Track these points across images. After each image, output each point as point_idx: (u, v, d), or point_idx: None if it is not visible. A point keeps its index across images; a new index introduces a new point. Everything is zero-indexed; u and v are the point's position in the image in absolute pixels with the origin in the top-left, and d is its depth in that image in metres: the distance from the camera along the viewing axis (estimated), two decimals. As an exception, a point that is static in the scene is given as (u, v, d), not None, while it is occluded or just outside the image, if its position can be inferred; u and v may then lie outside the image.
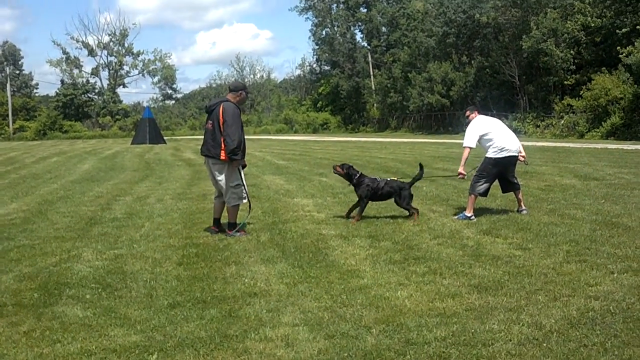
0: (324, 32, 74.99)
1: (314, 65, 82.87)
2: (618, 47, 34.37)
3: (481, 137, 8.88)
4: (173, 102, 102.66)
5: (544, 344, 4.09)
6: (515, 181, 9.19)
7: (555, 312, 4.67)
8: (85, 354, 4.13)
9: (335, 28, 73.68)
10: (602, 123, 34.65)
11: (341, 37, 72.58)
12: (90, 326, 4.64)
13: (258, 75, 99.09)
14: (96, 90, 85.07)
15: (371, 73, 68.12)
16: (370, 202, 9.02)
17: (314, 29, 75.45)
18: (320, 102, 76.44)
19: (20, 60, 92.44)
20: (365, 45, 72.99)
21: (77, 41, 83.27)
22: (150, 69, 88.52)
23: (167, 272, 6.17)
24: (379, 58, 67.59)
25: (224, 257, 6.73)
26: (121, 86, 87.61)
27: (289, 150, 28.67)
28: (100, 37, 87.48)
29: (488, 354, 3.96)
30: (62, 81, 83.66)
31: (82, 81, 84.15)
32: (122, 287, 5.64)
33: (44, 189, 13.71)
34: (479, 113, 9.30)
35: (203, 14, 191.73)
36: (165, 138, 46.51)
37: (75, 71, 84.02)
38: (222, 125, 7.60)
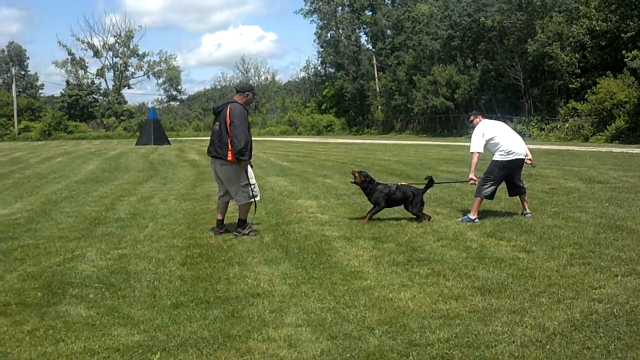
0: (328, 35, 75.10)
1: (319, 68, 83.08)
2: (623, 51, 34.31)
3: (487, 141, 8.86)
4: (178, 103, 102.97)
5: (547, 346, 4.08)
6: (522, 184, 9.17)
7: (558, 315, 4.66)
8: (89, 353, 4.14)
9: (340, 31, 73.80)
10: (607, 126, 34.58)
11: (346, 40, 72.68)
12: (94, 325, 4.65)
13: (263, 77, 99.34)
14: (101, 91, 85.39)
15: (376, 75, 68.18)
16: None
17: (319, 31, 75.58)
18: (325, 104, 76.52)
19: (25, 61, 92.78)
20: (370, 47, 73.13)
21: (83, 42, 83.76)
22: (155, 70, 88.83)
23: (170, 272, 6.18)
24: (383, 61, 67.62)
25: (228, 258, 6.73)
26: (126, 87, 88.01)
27: (293, 152, 28.69)
28: (105, 39, 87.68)
29: (491, 356, 3.96)
30: (67, 82, 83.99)
31: (87, 82, 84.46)
32: (126, 287, 5.65)
33: (48, 189, 13.74)
34: (483, 117, 9.29)
35: (208, 15, 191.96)
36: (169, 139, 46.60)
37: (81, 72, 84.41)
38: (229, 126, 7.62)
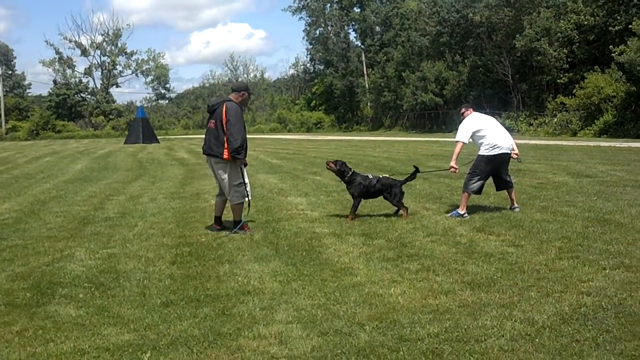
0: (317, 32, 75.06)
1: (308, 65, 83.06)
2: (611, 46, 34.46)
3: (474, 133, 8.89)
4: (166, 101, 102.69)
5: (537, 340, 4.10)
6: (509, 179, 9.21)
7: (547, 308, 4.69)
8: (79, 353, 4.12)
9: (329, 27, 73.76)
10: (595, 121, 34.77)
11: (335, 37, 72.63)
12: (84, 325, 4.64)
13: (252, 75, 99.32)
14: (89, 90, 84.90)
15: (365, 72, 68.16)
16: (362, 199, 9.01)
17: (308, 28, 75.56)
18: (314, 101, 76.46)
19: (12, 61, 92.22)
20: (359, 44, 73.05)
21: (70, 41, 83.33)
22: (144, 68, 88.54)
23: (160, 271, 6.16)
24: (372, 57, 67.61)
25: (218, 256, 6.73)
26: (114, 86, 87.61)
27: (282, 149, 28.68)
28: (93, 37, 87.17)
29: (481, 350, 3.98)
30: (54, 81, 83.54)
31: (75, 81, 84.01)
32: (115, 286, 5.64)
33: (36, 189, 13.67)
34: (474, 110, 9.32)
35: (197, 13, 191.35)
36: (158, 137, 46.46)
37: (68, 71, 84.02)
38: (225, 125, 7.63)
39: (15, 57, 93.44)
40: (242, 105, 7.95)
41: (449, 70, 48.68)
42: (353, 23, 73.29)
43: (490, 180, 9.17)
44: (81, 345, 4.25)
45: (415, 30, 53.95)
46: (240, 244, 7.29)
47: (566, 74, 39.45)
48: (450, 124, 45.73)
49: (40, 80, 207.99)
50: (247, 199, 7.99)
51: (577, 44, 39.20)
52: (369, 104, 67.51)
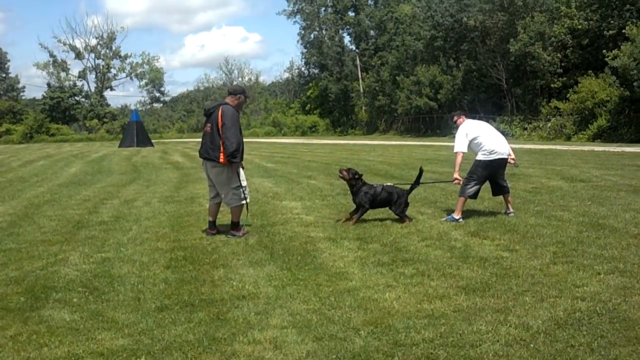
0: (312, 36, 75.19)
1: (303, 69, 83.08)
2: (604, 50, 34.64)
3: (471, 141, 8.90)
4: (161, 105, 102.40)
5: (531, 345, 4.11)
6: (505, 184, 9.22)
7: (542, 313, 4.70)
8: (73, 358, 4.11)
9: (324, 31, 73.91)
10: (589, 125, 34.91)
11: (329, 41, 72.76)
12: (78, 330, 4.62)
13: (246, 78, 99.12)
14: (83, 93, 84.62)
15: (359, 76, 68.32)
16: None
17: (302, 32, 75.62)
18: (309, 105, 76.56)
19: (6, 64, 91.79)
20: (354, 48, 73.24)
21: (65, 44, 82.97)
22: (138, 72, 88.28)
23: (154, 275, 6.15)
24: (367, 61, 67.78)
25: (212, 260, 6.71)
26: (108, 89, 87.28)
27: (277, 153, 28.67)
28: (87, 40, 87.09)
29: (476, 355, 3.98)
30: (48, 84, 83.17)
31: (69, 84, 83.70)
32: (110, 291, 5.61)
33: (30, 193, 13.63)
34: (467, 117, 9.33)
35: (192, 17, 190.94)
36: (152, 141, 46.41)
37: (63, 74, 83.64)
38: (221, 128, 7.61)
39: (9, 60, 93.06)
40: (238, 109, 7.93)
41: (443, 74, 48.84)
42: (347, 27, 73.48)
43: (486, 185, 9.18)
44: (75, 350, 4.23)
45: (409, 35, 54.10)
46: (235, 248, 7.27)
47: (560, 79, 39.64)
48: (444, 128, 45.92)
49: (34, 84, 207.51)
50: (245, 201, 7.99)
51: (571, 49, 39.40)
52: (363, 108, 67.66)
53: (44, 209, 10.97)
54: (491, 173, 8.98)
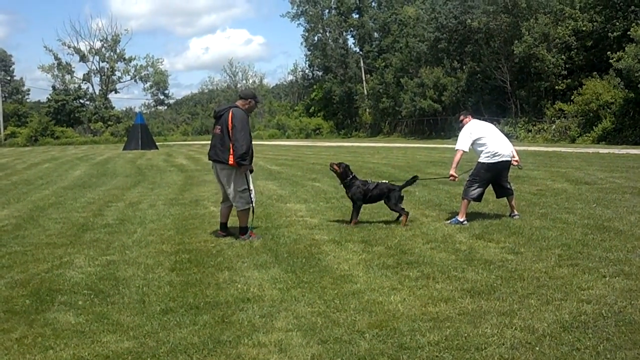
0: (316, 38, 75.19)
1: (307, 71, 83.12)
2: (609, 52, 34.57)
3: (474, 141, 8.88)
4: (165, 107, 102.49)
5: (537, 348, 4.10)
6: (509, 187, 9.20)
7: (547, 316, 4.69)
8: (78, 361, 4.12)
9: (327, 34, 73.90)
10: (594, 127, 34.83)
11: (333, 43, 72.81)
12: (83, 332, 4.62)
13: (250, 81, 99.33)
14: (88, 96, 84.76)
15: (363, 78, 68.31)
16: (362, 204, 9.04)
17: (306, 34, 75.62)
18: (313, 108, 76.57)
19: (11, 66, 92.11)
20: (358, 50, 73.22)
21: (69, 47, 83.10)
22: (142, 74, 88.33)
23: (159, 278, 6.15)
24: (371, 63, 67.78)
25: (217, 263, 6.72)
26: (113, 92, 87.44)
27: (281, 156, 28.68)
28: (92, 43, 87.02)
29: (481, 358, 3.97)
30: (53, 87, 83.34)
31: (74, 87, 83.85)
32: (115, 293, 5.62)
33: (35, 195, 13.66)
34: (473, 117, 9.31)
35: (196, 19, 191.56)
36: (157, 144, 46.45)
37: (67, 77, 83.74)
38: (231, 131, 7.65)
39: (14, 63, 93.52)
40: (248, 112, 7.97)
41: (447, 76, 48.82)
42: (351, 29, 73.45)
43: (490, 187, 9.16)
44: (80, 352, 4.24)
45: (413, 37, 54.08)
46: (239, 251, 7.28)
47: (564, 81, 39.56)
48: (449, 131, 45.85)
49: (39, 86, 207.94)
50: (251, 205, 8.00)
51: (575, 50, 39.32)
52: (367, 110, 67.62)
53: (49, 211, 11.00)
54: (494, 175, 8.96)
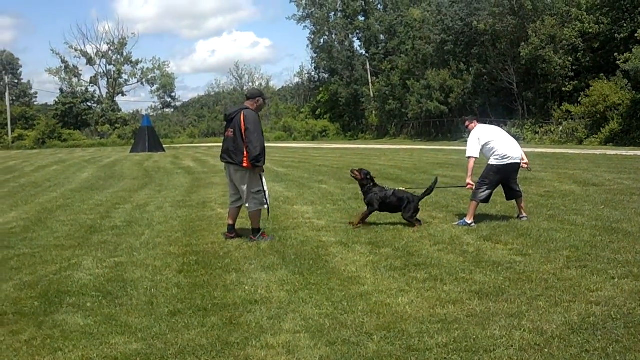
0: (322, 40, 75.22)
1: (313, 73, 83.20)
2: (616, 54, 34.43)
3: (483, 146, 8.87)
4: (172, 110, 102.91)
5: (546, 350, 4.08)
6: (518, 189, 9.17)
7: (556, 318, 4.67)
8: (87, 362, 4.13)
9: (334, 36, 73.96)
10: (601, 129, 34.68)
11: (339, 45, 72.83)
12: (91, 334, 4.64)
13: (257, 83, 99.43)
14: (95, 99, 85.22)
15: (369, 80, 68.27)
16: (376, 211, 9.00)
17: (312, 37, 75.69)
18: (319, 110, 76.59)
19: (18, 70, 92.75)
20: (364, 53, 73.21)
21: (76, 50, 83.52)
22: (149, 77, 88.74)
23: (167, 279, 6.17)
24: (377, 65, 67.71)
25: (225, 265, 6.73)
26: (120, 95, 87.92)
27: (288, 158, 28.68)
28: (99, 46, 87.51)
29: (490, 360, 3.96)
30: (61, 90, 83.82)
31: (81, 90, 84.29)
32: (123, 295, 5.64)
33: (43, 198, 13.71)
34: (478, 122, 9.30)
35: (202, 22, 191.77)
36: (164, 146, 46.58)
37: (74, 80, 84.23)
38: (244, 133, 7.67)
39: (21, 66, 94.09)
40: (258, 112, 7.98)
41: (453, 78, 48.69)
42: (357, 31, 73.48)
43: (499, 189, 9.14)
44: (89, 354, 4.25)
45: (419, 39, 54.03)
46: (247, 253, 7.29)
47: (571, 82, 39.40)
48: (455, 132, 45.74)
49: (46, 89, 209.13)
50: (265, 206, 8.02)
51: (582, 52, 39.18)
52: (374, 112, 67.56)
53: (57, 214, 11.03)
54: (503, 177, 8.94)
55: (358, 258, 6.88)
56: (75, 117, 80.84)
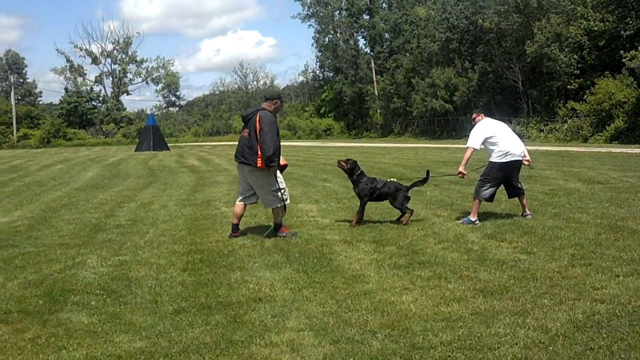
0: (326, 39, 75.18)
1: (317, 72, 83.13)
2: (621, 51, 34.35)
3: (486, 139, 8.85)
4: (177, 109, 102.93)
5: (550, 348, 4.07)
6: (520, 186, 9.14)
7: (561, 316, 4.66)
8: (91, 360, 4.14)
9: (338, 35, 73.90)
10: (606, 127, 34.59)
11: (344, 44, 72.78)
12: (96, 332, 4.65)
13: (261, 82, 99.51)
14: (100, 98, 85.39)
15: (374, 79, 68.22)
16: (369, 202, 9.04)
17: (317, 35, 75.69)
18: (324, 108, 76.55)
19: (24, 69, 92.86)
20: (368, 51, 73.14)
21: (81, 49, 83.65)
22: (154, 76, 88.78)
23: (171, 278, 6.17)
24: (382, 64, 67.65)
25: (229, 263, 6.73)
26: (125, 94, 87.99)
27: (292, 156, 28.65)
28: (104, 45, 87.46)
29: (494, 358, 3.95)
30: (66, 89, 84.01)
31: (86, 89, 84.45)
32: (127, 294, 5.65)
33: (48, 197, 13.74)
34: (486, 116, 9.27)
35: (207, 21, 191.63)
36: (168, 145, 46.62)
37: (79, 79, 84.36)
38: (258, 133, 7.70)
39: (26, 66, 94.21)
40: (275, 113, 8.03)
41: (458, 76, 48.64)
42: (362, 30, 73.44)
43: (502, 187, 9.12)
44: (93, 352, 4.26)
45: (424, 37, 53.96)
46: (251, 251, 7.29)
47: (576, 80, 39.31)
48: (460, 131, 45.70)
49: (51, 89, 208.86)
50: (284, 202, 8.06)
51: (587, 50, 39.08)
52: (378, 110, 67.50)
53: (62, 212, 11.06)
54: (506, 175, 8.91)
55: (362, 256, 6.87)
56: (80, 116, 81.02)
